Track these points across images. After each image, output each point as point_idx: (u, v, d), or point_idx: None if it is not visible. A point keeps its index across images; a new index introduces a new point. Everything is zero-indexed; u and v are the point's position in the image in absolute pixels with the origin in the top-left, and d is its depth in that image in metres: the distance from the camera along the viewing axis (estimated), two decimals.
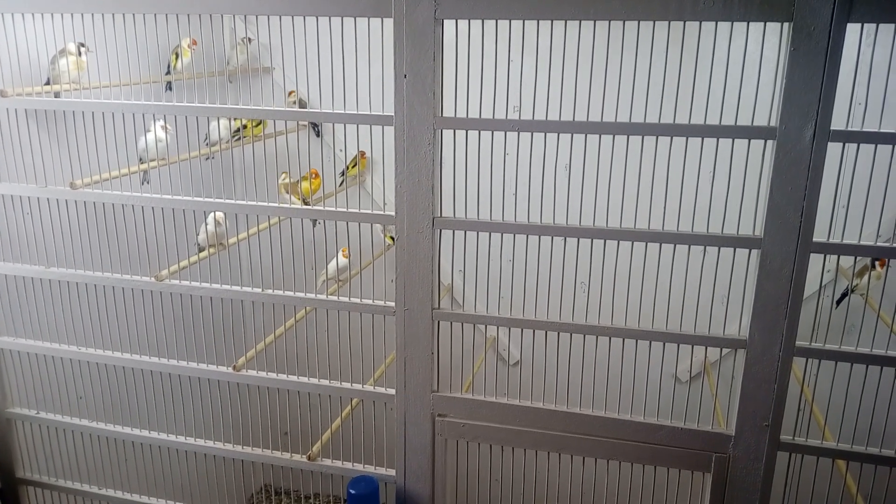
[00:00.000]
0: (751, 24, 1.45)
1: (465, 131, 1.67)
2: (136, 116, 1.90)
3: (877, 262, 2.23)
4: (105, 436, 2.21)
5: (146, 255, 2.01)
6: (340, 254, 2.50)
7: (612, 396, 1.75)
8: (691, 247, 1.61)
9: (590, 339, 1.72)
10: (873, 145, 1.48)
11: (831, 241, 1.54)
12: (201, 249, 2.31)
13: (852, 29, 1.40)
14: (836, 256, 1.58)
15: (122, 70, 1.92)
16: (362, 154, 3.01)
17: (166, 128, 2.27)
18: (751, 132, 1.50)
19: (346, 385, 1.95)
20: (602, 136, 1.59)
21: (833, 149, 1.46)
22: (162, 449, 2.17)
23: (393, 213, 1.75)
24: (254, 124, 2.68)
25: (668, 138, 1.55)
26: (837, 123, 1.45)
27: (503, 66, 1.58)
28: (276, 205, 1.88)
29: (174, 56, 2.56)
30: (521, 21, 1.56)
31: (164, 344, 2.09)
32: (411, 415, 1.89)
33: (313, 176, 2.62)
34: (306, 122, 2.94)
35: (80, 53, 2.07)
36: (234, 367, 2.01)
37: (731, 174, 1.53)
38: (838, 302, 2.55)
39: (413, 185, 1.70)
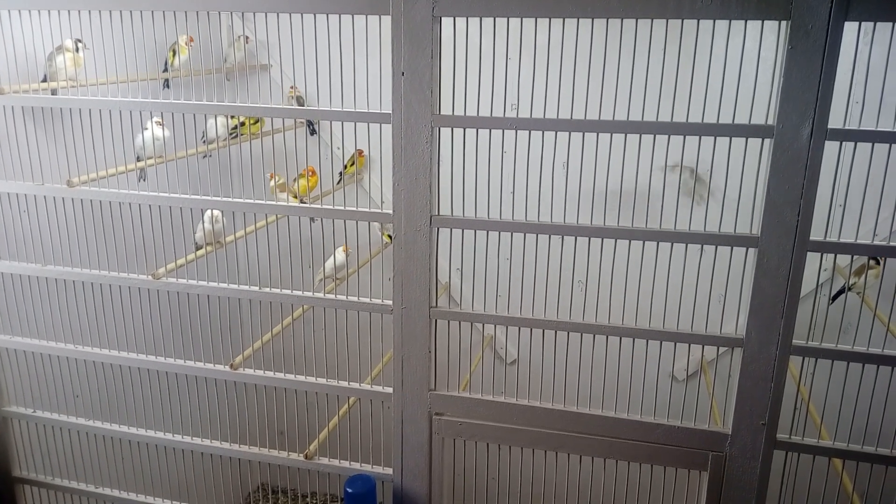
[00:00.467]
0: (748, 22, 1.45)
1: (462, 129, 1.67)
2: (133, 114, 1.89)
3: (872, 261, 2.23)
4: (102, 434, 2.20)
5: (143, 253, 2.00)
6: (338, 251, 2.50)
7: (610, 395, 1.75)
8: (689, 245, 1.62)
9: (587, 337, 1.72)
10: (870, 144, 1.48)
11: (828, 239, 1.54)
12: (198, 247, 2.30)
13: (850, 27, 1.40)
14: (832, 255, 1.58)
15: (120, 67, 1.92)
16: (360, 152, 3.01)
17: (161, 123, 2.26)
18: (748, 131, 1.50)
19: (344, 384, 1.95)
20: (600, 134, 1.59)
21: (830, 147, 1.47)
22: (159, 447, 2.16)
23: (391, 212, 1.75)
24: (251, 122, 2.68)
25: (666, 136, 1.55)
26: (835, 122, 1.45)
27: (501, 63, 1.58)
28: (273, 203, 1.88)
29: (171, 53, 2.55)
30: (519, 18, 1.56)
31: (160, 342, 2.09)
32: (408, 413, 1.89)
33: (310, 174, 2.62)
34: (303, 120, 2.94)
35: (77, 50, 2.07)
36: (231, 366, 2.01)
37: (728, 173, 1.53)
38: (833, 298, 2.56)
39: (411, 183, 1.70)
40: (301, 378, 1.97)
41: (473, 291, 1.87)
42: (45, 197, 2.02)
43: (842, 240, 1.54)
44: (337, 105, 1.73)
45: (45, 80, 2.11)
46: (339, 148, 3.13)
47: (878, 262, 2.20)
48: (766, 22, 1.45)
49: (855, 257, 2.41)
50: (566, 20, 1.54)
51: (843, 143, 1.47)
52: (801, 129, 1.45)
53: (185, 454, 2.15)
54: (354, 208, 1.81)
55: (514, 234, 1.71)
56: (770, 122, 1.48)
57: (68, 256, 2.06)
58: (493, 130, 1.65)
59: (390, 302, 1.82)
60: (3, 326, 2.19)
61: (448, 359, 1.88)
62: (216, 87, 1.93)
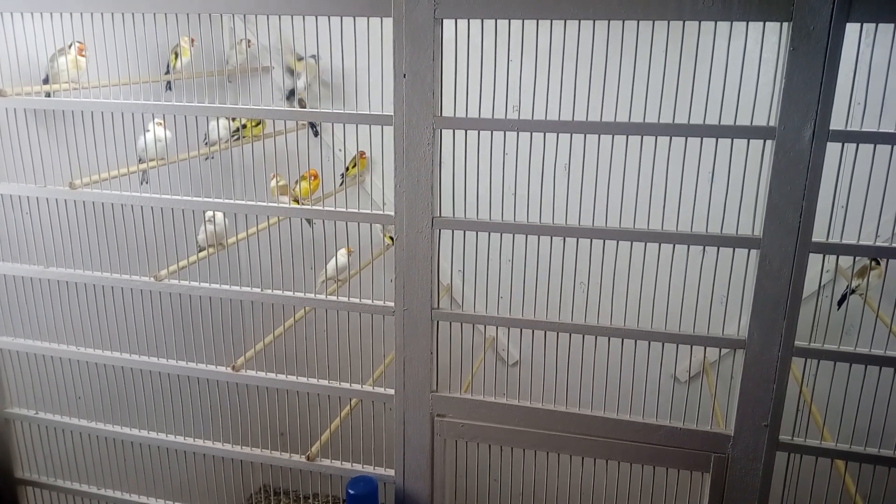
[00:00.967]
0: (750, 23, 1.45)
1: (464, 131, 1.67)
2: (135, 116, 1.90)
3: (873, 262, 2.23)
4: (104, 436, 2.20)
5: (145, 255, 2.01)
6: (340, 253, 2.50)
7: (612, 396, 1.74)
8: (690, 247, 1.62)
9: (589, 339, 1.72)
10: (872, 145, 1.48)
11: (830, 240, 1.54)
12: (200, 249, 2.31)
13: (852, 29, 1.40)
14: (835, 256, 1.58)
15: (122, 69, 1.92)
16: (361, 154, 3.01)
17: (163, 124, 2.26)
18: (750, 132, 1.50)
19: (346, 385, 1.95)
20: (601, 135, 1.59)
21: (832, 148, 1.46)
22: (161, 449, 2.16)
23: (392, 213, 1.75)
24: (253, 124, 2.68)
25: (668, 138, 1.55)
26: (837, 123, 1.45)
27: (502, 65, 1.58)
28: (275, 205, 1.88)
29: (173, 55, 2.56)
30: (521, 20, 1.56)
31: (163, 344, 2.09)
32: (410, 415, 1.89)
33: (312, 177, 2.62)
34: (305, 122, 2.94)
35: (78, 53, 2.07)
36: (234, 367, 2.01)
37: (730, 174, 1.53)
38: (839, 304, 2.55)
39: (412, 184, 1.70)
40: (303, 380, 1.97)
41: (475, 293, 1.87)
42: (47, 199, 2.03)
43: (844, 241, 1.54)
44: (339, 107, 1.73)
45: (46, 81, 2.11)
46: (340, 150, 3.13)
47: (878, 263, 2.20)
48: (767, 23, 1.45)
49: (857, 259, 2.41)
50: (567, 22, 1.54)
51: (845, 144, 1.47)
52: (803, 130, 1.45)
53: (187, 455, 2.15)
54: (356, 210, 1.81)
55: (515, 235, 1.71)
56: (772, 123, 1.48)
57: (70, 258, 2.06)
58: (494, 132, 1.65)
59: (392, 303, 1.82)
60: (5, 328, 2.19)
61: (450, 360, 1.88)
62: (218, 89, 1.93)
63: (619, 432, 1.75)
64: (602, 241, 1.66)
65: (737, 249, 1.59)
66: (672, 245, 1.62)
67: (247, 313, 2.02)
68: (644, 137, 1.56)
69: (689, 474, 1.75)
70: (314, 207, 1.91)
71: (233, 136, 2.63)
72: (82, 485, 2.29)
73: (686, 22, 1.48)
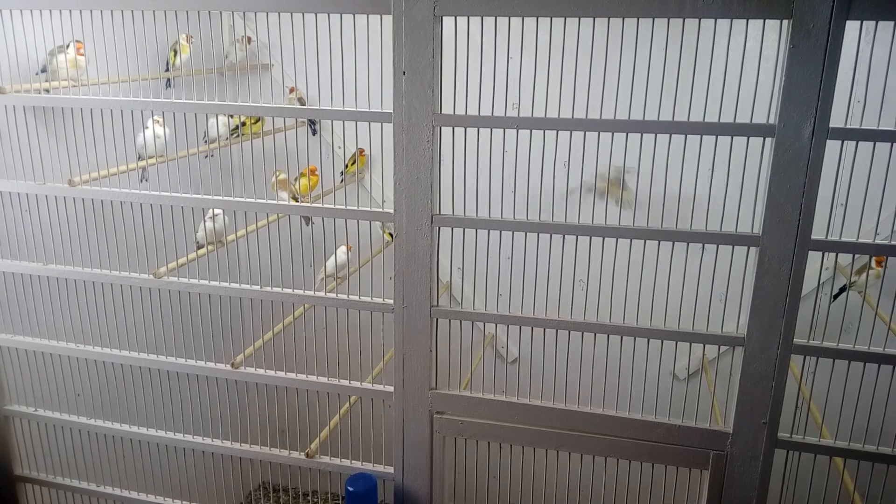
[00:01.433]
0: (750, 21, 1.45)
1: (464, 128, 1.67)
2: (134, 113, 1.89)
3: (874, 260, 2.23)
4: (103, 433, 2.21)
5: (144, 252, 2.01)
6: (339, 250, 2.50)
7: (610, 394, 1.75)
8: (690, 244, 1.62)
9: (588, 336, 1.72)
10: (872, 143, 1.48)
11: (830, 238, 1.54)
12: (200, 246, 2.31)
13: (851, 26, 1.40)
14: (834, 254, 1.58)
15: (121, 66, 1.92)
16: (361, 151, 3.01)
17: (161, 122, 2.26)
18: (750, 129, 1.50)
19: (345, 382, 1.95)
20: (601, 133, 1.59)
21: (832, 146, 1.46)
22: (160, 446, 2.16)
23: (392, 211, 1.75)
24: (252, 121, 2.68)
25: (668, 136, 1.55)
26: (836, 121, 1.45)
27: (502, 62, 1.58)
28: (274, 202, 1.88)
29: (172, 53, 2.55)
30: (521, 18, 1.56)
31: (162, 341, 2.09)
32: (410, 412, 1.89)
33: (311, 173, 2.62)
34: (304, 120, 2.94)
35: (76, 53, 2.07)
36: (233, 365, 2.01)
37: (730, 171, 1.53)
38: (835, 297, 2.56)
39: (412, 182, 1.70)
40: (302, 377, 1.97)
41: (474, 290, 1.87)
42: (46, 196, 2.03)
43: (843, 239, 1.54)
44: (338, 104, 1.73)
45: (43, 71, 2.10)
46: (340, 147, 3.13)
47: (879, 264, 2.21)
48: (767, 21, 1.45)
49: (856, 256, 2.41)
50: (567, 19, 1.54)
51: (845, 142, 1.47)
52: (803, 128, 1.45)
53: (187, 453, 2.15)
54: (355, 207, 1.81)
55: (515, 233, 1.71)
56: (771, 121, 1.48)
57: (70, 255, 2.06)
58: (494, 129, 1.65)
59: (391, 301, 1.82)
60: (4, 325, 2.19)
61: (449, 358, 1.88)
62: (217, 86, 1.93)
63: (617, 429, 1.75)
64: (601, 238, 1.66)
65: (736, 247, 1.59)
66: (671, 242, 1.62)
67: (246, 310, 2.02)
68: (644, 135, 1.56)
69: (687, 472, 1.75)
70: (313, 205, 1.91)
71: (232, 133, 2.62)
72: (81, 482, 2.29)
73: (686, 19, 1.47)
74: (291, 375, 1.97)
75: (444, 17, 1.59)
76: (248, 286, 1.93)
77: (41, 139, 2.04)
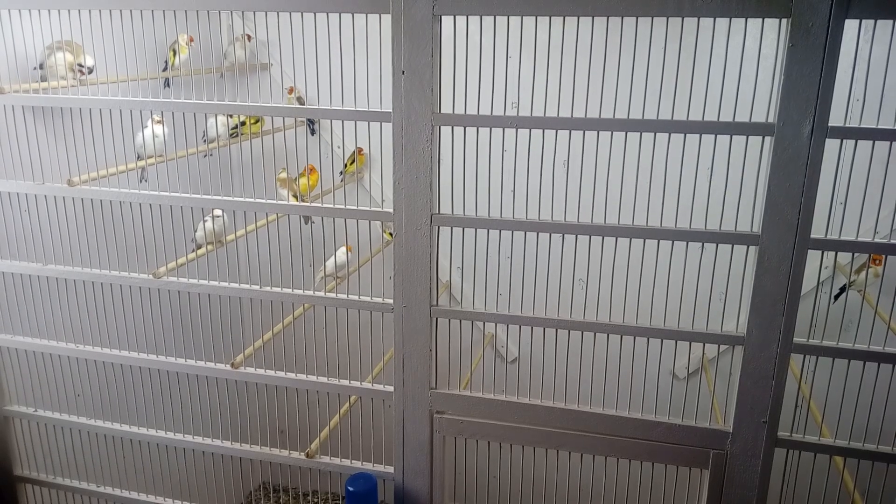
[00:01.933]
0: (749, 20, 1.45)
1: (463, 128, 1.67)
2: (133, 113, 1.89)
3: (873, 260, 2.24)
4: (103, 433, 2.20)
5: (144, 253, 2.01)
6: (339, 250, 2.50)
7: (610, 393, 1.75)
8: (689, 243, 1.62)
9: (588, 335, 1.72)
10: (871, 141, 1.48)
11: (829, 237, 1.54)
12: (199, 246, 2.31)
13: (850, 25, 1.40)
14: (833, 253, 1.58)
15: (120, 66, 1.92)
16: (359, 150, 3.01)
17: (161, 122, 2.26)
18: (749, 128, 1.50)
19: (345, 382, 1.95)
20: (600, 132, 1.59)
21: (831, 145, 1.46)
22: (160, 446, 2.16)
23: (391, 210, 1.75)
24: (252, 121, 2.68)
25: (667, 135, 1.55)
26: (835, 120, 1.45)
27: (501, 62, 1.58)
28: (274, 201, 1.88)
29: (172, 52, 2.55)
30: (520, 17, 1.56)
31: (162, 341, 2.09)
32: (409, 412, 1.89)
33: (310, 171, 2.62)
34: (303, 119, 2.94)
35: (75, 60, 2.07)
36: (233, 365, 2.01)
37: (729, 170, 1.53)
38: (836, 297, 2.56)
39: (411, 181, 1.70)
40: (302, 377, 1.97)
41: (474, 290, 1.87)
42: (45, 196, 2.02)
43: (843, 237, 1.54)
44: (337, 104, 1.73)
45: (40, 67, 2.10)
46: (339, 147, 3.13)
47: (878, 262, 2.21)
48: (766, 20, 1.45)
49: (856, 255, 2.41)
50: (566, 18, 1.53)
51: (844, 140, 1.47)
52: (802, 126, 1.45)
53: (187, 453, 2.15)
54: (355, 207, 1.81)
55: (514, 232, 1.71)
56: (771, 119, 1.48)
57: (69, 255, 2.06)
58: (493, 129, 1.65)
59: (391, 300, 1.82)
60: (4, 326, 2.19)
61: (449, 357, 1.88)
62: (216, 86, 1.93)
63: (617, 429, 1.75)
64: (601, 237, 1.66)
65: (735, 246, 1.59)
66: (671, 241, 1.62)
67: (246, 310, 2.02)
68: (643, 134, 1.56)
69: (687, 471, 1.75)
70: (313, 205, 1.91)
71: (231, 133, 2.62)
72: (81, 482, 2.29)
73: (685, 18, 1.47)
74: (291, 375, 1.97)
75: (442, 17, 1.59)
76: (247, 286, 1.93)
77: (40, 139, 2.04)
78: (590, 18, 1.52)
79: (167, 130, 2.27)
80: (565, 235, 1.67)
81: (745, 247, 1.58)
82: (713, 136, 1.53)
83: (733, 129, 1.51)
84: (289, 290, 1.91)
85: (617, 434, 1.76)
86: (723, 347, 1.71)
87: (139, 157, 2.27)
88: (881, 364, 1.59)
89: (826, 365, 1.63)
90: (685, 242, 1.61)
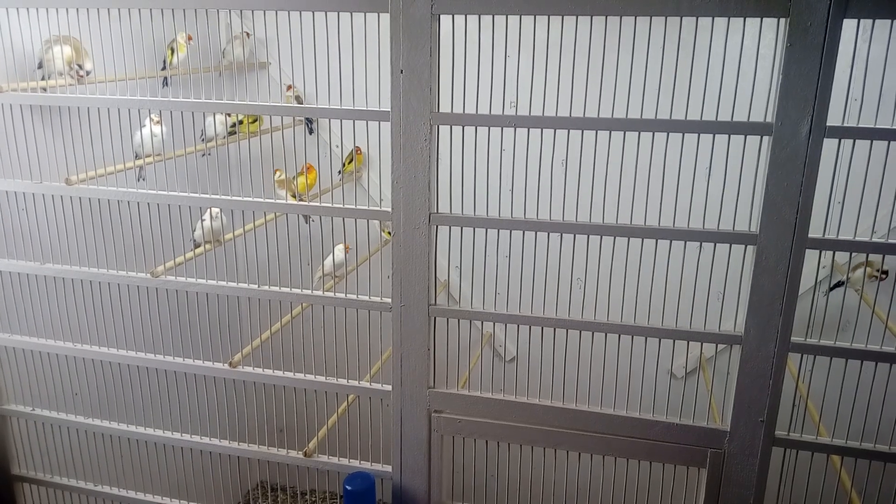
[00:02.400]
0: (747, 19, 1.45)
1: (461, 127, 1.67)
2: (132, 112, 1.89)
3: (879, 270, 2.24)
4: (101, 432, 2.20)
5: (142, 252, 2.00)
6: (337, 248, 2.50)
7: (608, 392, 1.75)
8: (687, 243, 1.62)
9: (586, 334, 1.72)
10: (869, 141, 1.48)
11: (827, 237, 1.54)
12: (197, 245, 2.30)
13: (849, 25, 1.40)
14: (831, 252, 1.58)
15: (118, 65, 1.92)
16: (357, 149, 3.01)
17: (160, 122, 2.26)
18: (747, 128, 1.50)
19: (343, 381, 1.95)
20: (599, 131, 1.59)
21: (829, 144, 1.47)
22: (158, 445, 2.16)
23: (389, 209, 1.75)
24: (250, 120, 2.68)
25: (665, 134, 1.55)
26: (833, 119, 1.45)
27: (500, 61, 1.58)
28: (272, 201, 1.88)
29: (170, 51, 2.55)
30: (518, 16, 1.56)
31: (159, 340, 2.09)
32: (407, 411, 1.89)
33: (308, 170, 2.62)
34: (302, 118, 2.94)
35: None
36: (231, 364, 2.01)
37: (727, 170, 1.53)
38: (831, 289, 2.56)
39: (409, 181, 1.70)
40: (300, 376, 1.97)
41: (472, 289, 1.87)
42: (43, 195, 2.02)
43: (840, 237, 1.54)
44: (336, 103, 1.73)
45: (40, 67, 2.10)
46: (337, 146, 3.13)
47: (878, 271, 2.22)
48: (764, 19, 1.45)
49: (853, 255, 2.42)
50: (565, 17, 1.53)
51: (842, 140, 1.47)
52: (800, 126, 1.45)
53: (185, 452, 2.15)
54: (353, 206, 1.81)
55: (512, 231, 1.71)
56: (769, 119, 1.49)
57: (67, 254, 2.06)
58: (491, 128, 1.65)
59: (389, 300, 1.82)
60: (1, 324, 2.19)
61: (447, 356, 1.88)
62: (215, 85, 1.93)
63: (615, 428, 1.75)
64: (599, 236, 1.66)
65: (733, 245, 1.59)
66: (669, 241, 1.62)
67: (244, 309, 2.02)
68: (642, 133, 1.56)
69: (685, 470, 1.76)
70: (311, 204, 1.91)
71: (229, 132, 2.62)
72: (79, 481, 2.29)
73: (683, 17, 1.47)
74: (289, 374, 1.97)
75: (441, 16, 1.59)
76: (245, 285, 1.93)
77: (38, 137, 2.04)
78: (588, 17, 1.52)
79: (165, 129, 2.27)
80: (563, 235, 1.67)
81: (743, 246, 1.58)
82: (711, 135, 1.53)
83: (731, 128, 1.51)
84: (287, 290, 1.91)
85: (615, 433, 1.76)
86: (720, 346, 1.72)
87: (137, 156, 2.27)
88: (878, 363, 1.59)
89: (823, 364, 1.63)
90: (683, 242, 1.62)
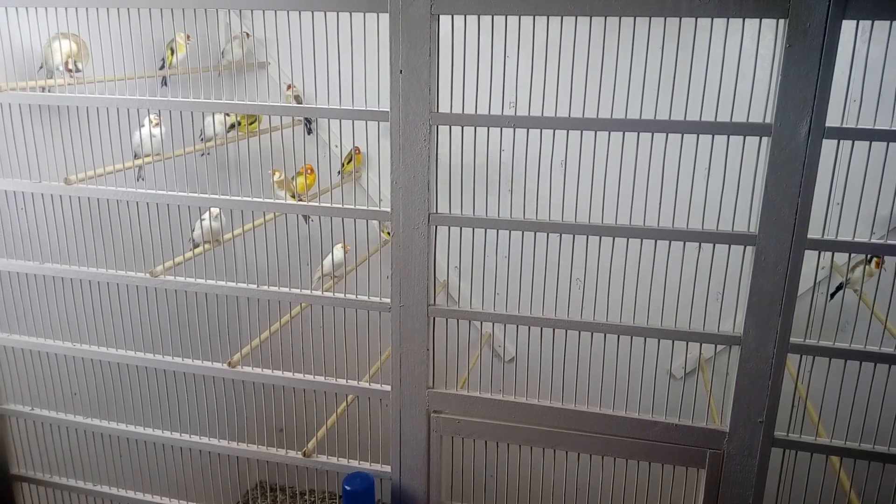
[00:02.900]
0: (746, 20, 1.45)
1: (461, 127, 1.67)
2: (131, 111, 1.89)
3: (874, 259, 2.24)
4: (100, 432, 2.20)
5: (141, 251, 2.00)
6: (336, 248, 2.49)
7: (607, 392, 1.75)
8: (686, 243, 1.62)
9: (585, 335, 1.72)
10: (868, 142, 1.48)
11: (826, 237, 1.54)
12: (196, 245, 2.30)
13: (848, 26, 1.40)
14: (830, 253, 1.58)
15: (118, 64, 1.91)
16: (356, 150, 3.00)
17: (159, 123, 2.26)
18: (746, 129, 1.50)
19: (342, 381, 1.95)
20: (598, 132, 1.59)
21: (828, 145, 1.47)
22: (157, 445, 2.16)
23: (389, 210, 1.75)
24: (249, 120, 2.68)
25: (664, 135, 1.55)
26: (832, 120, 1.45)
27: (499, 61, 1.58)
28: (271, 201, 1.87)
29: (169, 51, 2.55)
30: (517, 16, 1.56)
31: (158, 340, 2.08)
32: (407, 411, 1.89)
33: (308, 171, 2.62)
34: (301, 118, 2.94)
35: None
36: (230, 364, 2.01)
37: (726, 170, 1.53)
38: (832, 295, 2.56)
39: (409, 181, 1.70)
40: (299, 376, 1.97)
41: (471, 289, 1.87)
42: (42, 194, 2.02)
43: (839, 238, 1.54)
44: (335, 103, 1.73)
45: (42, 68, 2.10)
46: (336, 146, 3.13)
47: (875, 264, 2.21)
48: (763, 20, 1.45)
49: (852, 255, 2.41)
50: (564, 18, 1.53)
51: (841, 141, 1.47)
52: (799, 127, 1.45)
53: (184, 452, 2.15)
54: (353, 206, 1.81)
55: (511, 232, 1.71)
56: (768, 120, 1.49)
57: (66, 254, 2.06)
58: (491, 128, 1.65)
59: (388, 300, 1.82)
60: (0, 325, 2.18)
61: (446, 356, 1.88)
62: (214, 84, 1.93)
63: (614, 428, 1.75)
64: (598, 237, 1.66)
65: (733, 246, 1.59)
66: (668, 241, 1.62)
67: (243, 310, 2.02)
68: (641, 134, 1.56)
69: (684, 470, 1.75)
70: (311, 203, 1.90)
71: (228, 131, 2.62)
72: (78, 481, 2.29)
73: (683, 18, 1.48)
74: (288, 374, 1.97)
75: (440, 16, 1.59)
76: (244, 285, 1.93)
77: (37, 137, 2.04)
78: (587, 18, 1.52)
79: (164, 129, 2.27)
80: (563, 235, 1.67)
81: (742, 247, 1.58)
82: (711, 136, 1.53)
83: (730, 129, 1.51)
84: (286, 290, 1.91)
85: (614, 433, 1.76)
86: (720, 347, 1.72)
87: (136, 156, 2.27)
88: (877, 364, 1.59)
89: (822, 365, 1.63)
90: (682, 242, 1.62)
